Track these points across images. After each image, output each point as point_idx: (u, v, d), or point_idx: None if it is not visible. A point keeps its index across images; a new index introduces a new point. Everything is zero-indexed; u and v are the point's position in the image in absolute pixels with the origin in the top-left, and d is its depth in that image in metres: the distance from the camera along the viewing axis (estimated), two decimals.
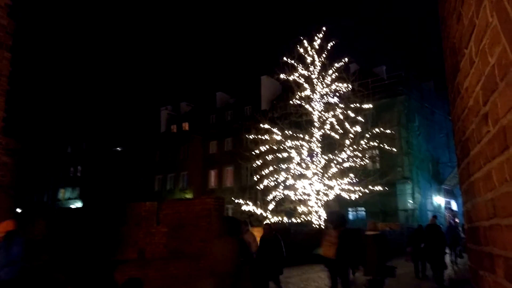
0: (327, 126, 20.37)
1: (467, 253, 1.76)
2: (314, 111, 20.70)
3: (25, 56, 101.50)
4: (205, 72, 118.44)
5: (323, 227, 17.99)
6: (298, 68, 20.75)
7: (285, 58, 20.48)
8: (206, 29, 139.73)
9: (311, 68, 20.87)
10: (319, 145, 20.47)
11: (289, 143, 20.40)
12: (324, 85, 20.85)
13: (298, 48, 20.62)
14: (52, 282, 8.97)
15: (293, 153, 20.51)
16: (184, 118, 49.81)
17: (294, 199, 20.22)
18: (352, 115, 19.95)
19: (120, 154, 49.81)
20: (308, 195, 20.16)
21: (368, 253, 7.30)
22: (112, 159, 49.89)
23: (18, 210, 20.47)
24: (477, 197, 1.34)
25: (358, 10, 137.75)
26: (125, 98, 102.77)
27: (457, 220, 28.07)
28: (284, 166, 20.57)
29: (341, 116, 20.10)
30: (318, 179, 20.09)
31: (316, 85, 20.85)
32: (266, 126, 20.74)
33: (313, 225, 19.45)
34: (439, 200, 32.44)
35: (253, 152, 20.69)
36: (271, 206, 19.90)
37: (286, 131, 20.46)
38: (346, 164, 20.02)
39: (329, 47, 20.52)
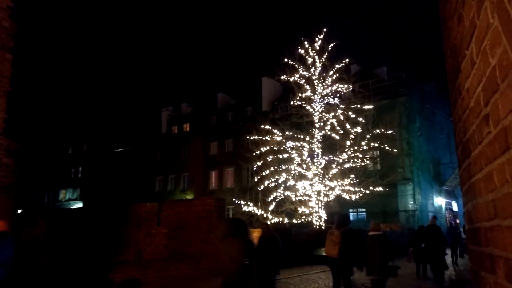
0: (328, 127, 20.37)
1: (468, 254, 1.76)
2: (315, 112, 20.69)
3: (27, 57, 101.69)
4: (206, 73, 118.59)
5: (324, 228, 18.00)
6: (299, 69, 20.75)
7: (285, 59, 20.49)
8: (207, 30, 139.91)
9: (312, 69, 20.87)
10: (319, 146, 20.46)
11: (289, 144, 20.40)
12: (325, 86, 20.85)
13: (299, 49, 20.63)
14: (52, 283, 8.97)
15: (294, 154, 20.50)
16: (185, 119, 49.84)
17: (294, 200, 20.21)
18: (353, 116, 19.94)
19: (121, 155, 49.83)
20: (309, 196, 20.15)
21: (371, 253, 7.38)
22: (113, 160, 49.92)
23: (19, 211, 20.48)
24: (478, 198, 1.34)
25: (358, 11, 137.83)
26: (126, 99, 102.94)
27: (457, 221, 28.05)
28: (284, 167, 20.57)
29: (341, 117, 20.10)
30: (319, 180, 20.08)
31: (317, 86, 20.85)
32: (267, 127, 20.74)
33: (313, 226, 19.43)
34: (440, 201, 32.41)
35: (253, 153, 20.68)
36: (271, 207, 19.88)
37: (286, 132, 20.45)
38: (346, 165, 20.01)
39: (329, 48, 20.53)
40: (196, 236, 13.03)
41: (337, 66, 20.62)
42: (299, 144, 20.38)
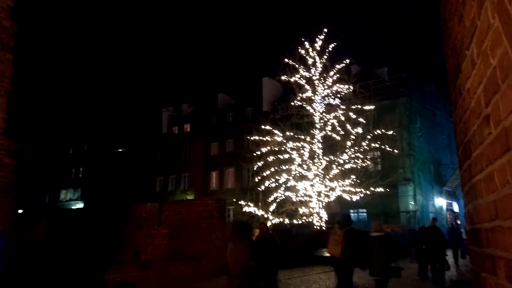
0: (329, 128, 20.37)
1: (469, 254, 1.76)
2: (316, 112, 20.69)
3: (27, 57, 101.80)
4: (207, 73, 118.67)
5: (325, 228, 18.00)
6: (300, 69, 20.76)
7: (286, 60, 20.50)
8: (207, 30, 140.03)
9: (312, 70, 20.88)
10: (320, 146, 20.46)
11: (290, 144, 20.39)
12: (326, 87, 20.86)
13: (299, 49, 20.64)
14: (52, 283, 8.98)
15: (295, 155, 20.50)
16: (186, 120, 49.88)
17: (295, 201, 20.20)
18: (354, 116, 19.93)
19: (121, 155, 49.87)
20: (310, 196, 20.15)
21: (374, 254, 7.47)
22: (113, 161, 49.96)
23: (20, 211, 20.51)
24: (478, 199, 1.34)
25: (359, 11, 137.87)
26: (126, 100, 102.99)
27: (458, 221, 28.04)
28: (285, 168, 20.56)
29: (342, 118, 20.10)
30: (320, 180, 20.08)
31: (318, 86, 20.86)
32: (268, 127, 20.74)
33: (314, 226, 19.42)
34: (440, 201, 32.39)
35: (254, 154, 20.68)
36: (272, 208, 19.88)
37: (287, 133, 20.46)
38: (347, 166, 20.01)
39: (330, 49, 20.53)
40: (196, 236, 13.04)
41: (337, 66, 20.62)
42: (299, 145, 20.38)
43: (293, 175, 20.35)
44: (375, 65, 39.26)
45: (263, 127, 20.73)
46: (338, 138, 20.22)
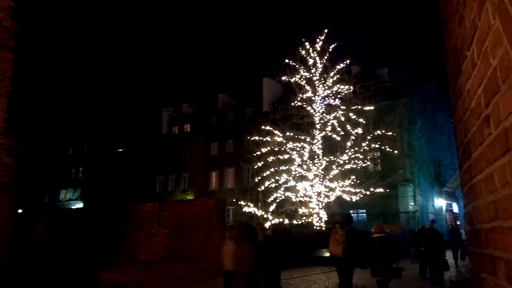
0: (329, 128, 20.38)
1: (468, 255, 1.76)
2: (316, 113, 20.70)
3: (28, 57, 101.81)
4: (207, 73, 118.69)
5: (324, 229, 18.00)
6: (300, 70, 20.77)
7: (286, 60, 20.52)
8: (208, 30, 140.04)
9: (313, 70, 20.89)
10: (320, 147, 20.46)
11: (290, 144, 20.41)
12: (326, 87, 20.86)
13: (300, 50, 20.65)
14: (52, 282, 8.98)
15: (295, 155, 20.51)
16: (186, 120, 49.88)
17: (295, 201, 20.21)
18: (354, 117, 19.94)
19: (121, 155, 49.88)
20: (309, 197, 20.15)
21: (375, 254, 7.55)
22: (113, 160, 49.97)
23: (20, 211, 20.51)
24: (478, 199, 1.34)
25: (359, 12, 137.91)
26: (126, 100, 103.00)
27: (458, 222, 28.03)
28: (285, 168, 20.57)
29: (342, 118, 20.11)
30: (319, 180, 20.08)
31: (318, 87, 20.87)
32: (268, 127, 20.75)
33: (314, 227, 19.43)
34: (440, 202, 32.39)
35: (254, 154, 20.70)
36: (272, 208, 19.88)
37: (287, 133, 20.47)
38: (347, 166, 20.02)
39: (330, 49, 20.54)
40: (196, 236, 13.03)
41: (338, 67, 20.64)
42: (299, 145, 20.39)
43: (293, 176, 20.36)
44: (375, 65, 39.18)
45: (263, 127, 20.74)
46: (338, 138, 20.23)
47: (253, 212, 19.58)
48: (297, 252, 15.18)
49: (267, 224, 17.59)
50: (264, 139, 20.34)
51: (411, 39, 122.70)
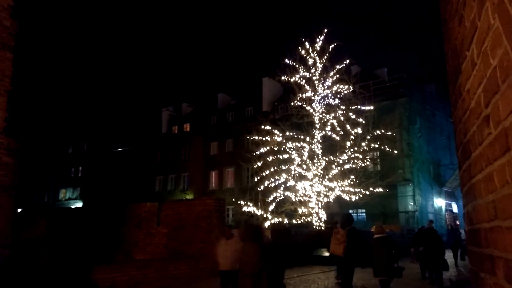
0: (328, 128, 20.37)
1: (468, 255, 1.76)
2: (315, 112, 20.70)
3: (28, 56, 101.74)
4: (207, 73, 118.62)
5: (324, 228, 17.99)
6: (300, 69, 20.76)
7: (286, 60, 20.51)
8: (207, 30, 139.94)
9: (313, 70, 20.88)
10: (320, 146, 20.47)
11: (290, 144, 20.40)
12: (325, 87, 20.86)
13: (300, 49, 20.64)
14: (52, 282, 8.97)
15: (294, 155, 20.51)
16: (185, 119, 49.85)
17: (294, 201, 20.21)
18: (353, 117, 19.94)
19: (121, 154, 49.85)
20: (309, 196, 20.15)
21: (376, 255, 7.64)
22: (113, 160, 49.94)
23: (19, 210, 20.49)
24: (478, 199, 1.34)
25: (359, 12, 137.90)
26: (126, 99, 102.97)
27: (457, 222, 28.03)
28: (285, 168, 20.57)
29: (342, 118, 20.10)
30: (319, 180, 20.08)
31: (317, 86, 20.86)
32: (267, 127, 20.75)
33: (313, 226, 19.43)
34: (440, 202, 32.40)
35: (254, 153, 20.69)
36: (271, 208, 19.88)
37: (287, 133, 20.46)
38: (347, 166, 20.01)
39: (330, 49, 20.53)
40: (196, 236, 13.04)
41: (337, 66, 20.62)
42: (299, 145, 20.39)
43: (292, 175, 20.36)
44: (375, 65, 39.20)
45: (262, 127, 20.73)
46: (338, 138, 20.22)
47: (252, 211, 19.57)
48: (297, 252, 15.18)
49: (266, 224, 17.60)
50: (264, 139, 20.34)
51: (411, 39, 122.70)
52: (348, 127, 19.94)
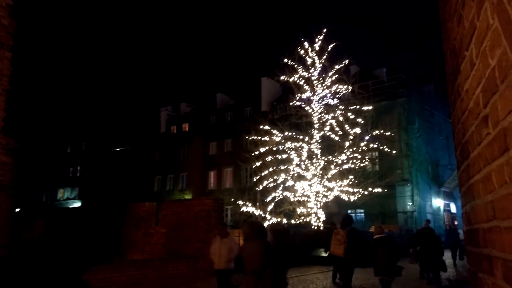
0: (327, 128, 20.38)
1: (466, 255, 1.76)
2: (314, 112, 20.70)
3: (26, 56, 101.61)
4: (206, 73, 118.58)
5: (322, 229, 18.00)
6: (298, 69, 20.76)
7: (285, 60, 20.51)
8: (206, 30, 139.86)
9: (311, 70, 20.88)
10: (318, 146, 20.47)
11: (288, 144, 20.41)
12: (324, 87, 20.86)
13: (299, 49, 20.64)
14: (50, 282, 8.96)
15: (293, 155, 20.51)
16: (184, 119, 49.81)
17: (293, 201, 20.21)
18: (352, 117, 19.95)
19: (119, 154, 49.79)
20: (308, 196, 20.15)
21: (378, 255, 7.71)
22: (111, 160, 49.88)
23: (17, 210, 20.45)
24: (476, 199, 1.34)
25: (358, 11, 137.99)
26: (125, 99, 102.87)
27: (456, 222, 28.08)
28: (283, 168, 20.57)
29: (341, 118, 20.10)
30: (318, 180, 20.09)
31: (316, 86, 20.86)
32: (266, 127, 20.75)
33: (312, 226, 19.44)
34: (438, 202, 32.44)
35: (252, 153, 20.70)
36: (270, 207, 19.88)
37: (286, 133, 20.46)
38: (345, 166, 20.02)
39: (329, 49, 20.53)
40: (194, 236, 13.03)
41: (336, 67, 20.63)
42: (298, 145, 20.40)
43: (291, 175, 20.36)
44: (374, 65, 39.19)
45: (261, 127, 20.74)
46: (337, 138, 20.23)
47: (251, 211, 19.57)
48: (295, 252, 15.18)
49: (265, 224, 17.60)
50: (263, 139, 20.34)
51: (410, 39, 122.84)
52: (347, 127, 19.96)
